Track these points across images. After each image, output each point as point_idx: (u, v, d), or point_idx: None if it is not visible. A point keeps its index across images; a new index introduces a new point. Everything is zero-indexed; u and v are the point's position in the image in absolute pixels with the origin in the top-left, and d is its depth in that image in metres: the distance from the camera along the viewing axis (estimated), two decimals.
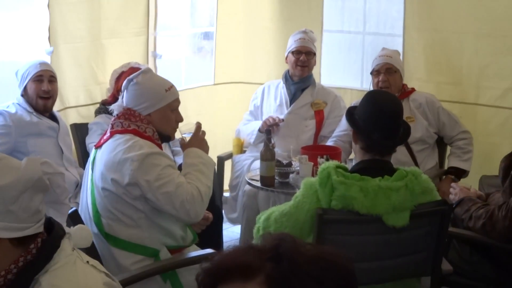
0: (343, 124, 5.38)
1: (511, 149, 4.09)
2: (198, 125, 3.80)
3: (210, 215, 3.90)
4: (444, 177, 5.20)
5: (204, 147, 3.76)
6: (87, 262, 2.13)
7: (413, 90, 5.33)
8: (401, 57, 5.52)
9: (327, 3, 6.26)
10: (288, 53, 5.55)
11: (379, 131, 3.30)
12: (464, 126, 5.28)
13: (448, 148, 5.39)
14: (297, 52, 5.48)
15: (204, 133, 3.80)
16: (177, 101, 3.69)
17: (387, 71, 5.20)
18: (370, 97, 3.47)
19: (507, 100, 5.47)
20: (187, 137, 3.82)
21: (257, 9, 6.60)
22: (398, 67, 5.25)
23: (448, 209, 3.38)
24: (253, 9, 6.62)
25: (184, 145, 3.76)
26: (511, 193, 3.69)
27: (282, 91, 5.62)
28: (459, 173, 5.14)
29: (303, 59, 5.46)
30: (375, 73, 5.24)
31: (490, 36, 5.45)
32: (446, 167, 5.29)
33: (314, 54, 5.54)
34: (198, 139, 3.76)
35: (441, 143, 5.39)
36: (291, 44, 5.55)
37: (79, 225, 2.28)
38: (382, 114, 3.34)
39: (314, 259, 1.40)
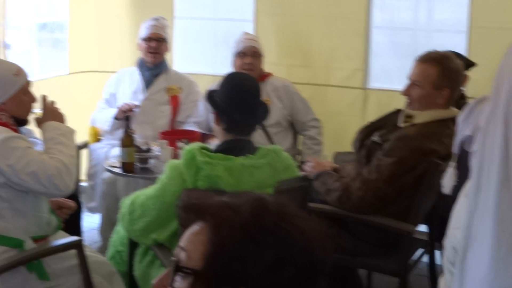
0: (200, 110, 5.46)
1: (360, 126, 4.28)
2: (43, 97, 3.71)
3: (74, 204, 3.88)
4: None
5: (58, 117, 3.68)
6: None
7: (270, 74, 5.46)
8: None
9: None
10: (140, 40, 5.56)
11: (239, 111, 3.38)
12: (315, 115, 5.46)
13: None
14: (148, 39, 5.49)
15: (53, 102, 3.72)
16: (28, 84, 3.61)
17: (254, 55, 5.31)
18: (229, 79, 3.56)
19: (355, 80, 5.71)
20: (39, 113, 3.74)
21: None
22: (262, 52, 5.37)
23: (308, 185, 3.52)
24: None
25: (39, 122, 3.68)
26: (367, 163, 3.87)
27: (136, 78, 5.61)
28: None
29: (154, 46, 5.49)
30: (240, 54, 5.30)
31: (337, 19, 5.65)
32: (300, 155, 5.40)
33: (165, 40, 5.58)
34: (49, 110, 3.68)
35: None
36: (142, 31, 5.56)
37: None
38: (242, 94, 3.43)
39: (274, 227, 1.37)
